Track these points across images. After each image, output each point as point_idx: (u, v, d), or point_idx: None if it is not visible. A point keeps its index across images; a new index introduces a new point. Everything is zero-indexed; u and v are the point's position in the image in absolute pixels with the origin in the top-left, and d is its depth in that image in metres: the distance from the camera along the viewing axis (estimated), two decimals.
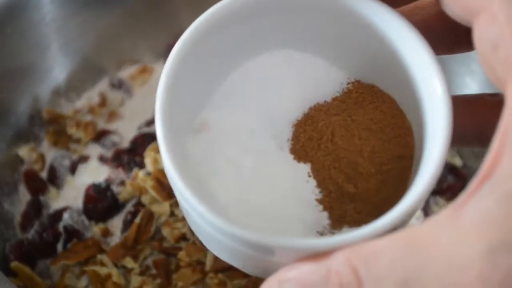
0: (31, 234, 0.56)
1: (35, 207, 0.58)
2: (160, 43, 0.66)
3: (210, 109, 0.39)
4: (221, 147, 0.38)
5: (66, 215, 0.57)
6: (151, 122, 0.62)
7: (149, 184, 0.56)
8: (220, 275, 0.53)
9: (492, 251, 0.26)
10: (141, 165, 0.58)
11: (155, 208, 0.56)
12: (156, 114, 0.34)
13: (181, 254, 0.54)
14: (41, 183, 0.60)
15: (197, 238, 0.54)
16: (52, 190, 0.59)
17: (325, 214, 0.36)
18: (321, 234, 0.36)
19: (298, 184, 0.37)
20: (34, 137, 0.62)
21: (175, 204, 0.56)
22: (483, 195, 0.27)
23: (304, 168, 0.37)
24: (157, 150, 0.58)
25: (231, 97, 0.39)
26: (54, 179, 0.60)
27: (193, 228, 0.38)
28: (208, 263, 0.53)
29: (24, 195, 0.59)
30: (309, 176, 0.37)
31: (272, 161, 0.37)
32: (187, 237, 0.55)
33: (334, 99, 0.39)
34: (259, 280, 0.52)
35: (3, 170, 0.59)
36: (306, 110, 0.39)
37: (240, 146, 0.38)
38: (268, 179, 0.37)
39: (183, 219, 0.55)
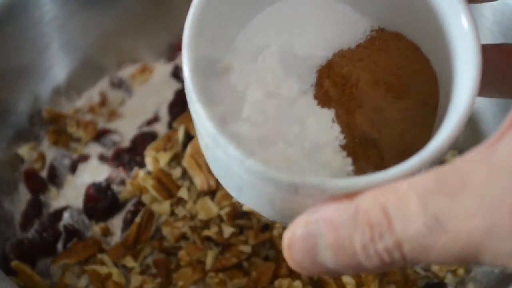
0: (31, 233, 0.56)
1: (35, 206, 0.58)
2: (161, 42, 0.66)
3: (233, 53, 0.38)
4: (245, 91, 0.37)
5: (66, 215, 0.57)
6: (151, 121, 0.62)
7: (149, 183, 0.56)
8: (220, 275, 0.53)
9: None
10: (142, 164, 0.58)
11: (156, 208, 0.56)
12: (183, 54, 0.34)
13: (181, 254, 0.54)
14: (41, 182, 0.60)
15: (198, 237, 0.54)
16: (52, 190, 0.59)
17: (349, 160, 0.36)
18: None
19: (322, 129, 0.36)
20: (34, 136, 0.62)
21: (175, 203, 0.56)
22: None
23: (328, 114, 0.37)
24: (157, 149, 0.58)
25: (254, 41, 0.38)
26: (54, 178, 0.60)
27: (216, 173, 0.38)
28: (208, 262, 0.53)
29: (24, 194, 0.59)
30: (333, 121, 0.36)
31: (296, 106, 0.37)
32: (187, 237, 0.55)
33: (358, 45, 0.38)
34: (259, 280, 0.52)
35: (3, 169, 0.59)
36: (330, 56, 0.38)
37: (264, 90, 0.37)
38: (291, 124, 0.36)
39: (183, 218, 0.55)
